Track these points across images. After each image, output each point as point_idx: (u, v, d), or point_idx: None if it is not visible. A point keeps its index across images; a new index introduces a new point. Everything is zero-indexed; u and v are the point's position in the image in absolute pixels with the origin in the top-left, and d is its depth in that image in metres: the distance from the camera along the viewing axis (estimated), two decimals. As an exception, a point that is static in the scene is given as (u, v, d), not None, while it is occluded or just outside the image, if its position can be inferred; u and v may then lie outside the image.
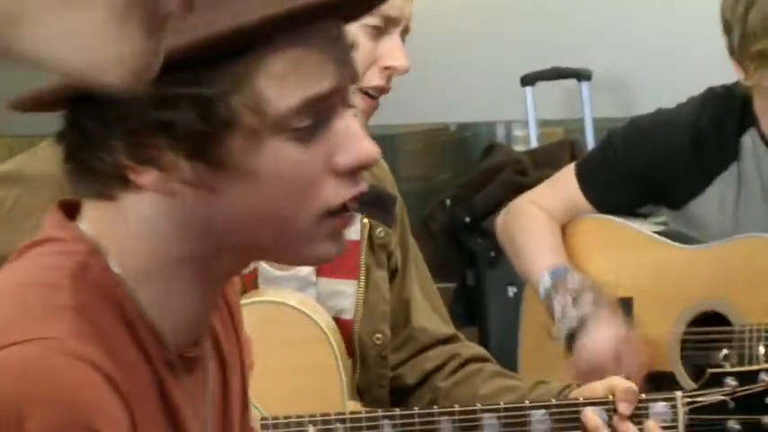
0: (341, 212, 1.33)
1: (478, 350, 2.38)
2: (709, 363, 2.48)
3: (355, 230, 2.25)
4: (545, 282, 2.58)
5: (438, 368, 2.35)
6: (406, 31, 2.23)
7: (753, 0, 2.41)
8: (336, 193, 1.31)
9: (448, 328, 2.40)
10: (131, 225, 1.32)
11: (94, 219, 1.33)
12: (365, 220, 2.26)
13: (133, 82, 0.93)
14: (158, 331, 1.31)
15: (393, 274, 2.34)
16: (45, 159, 2.03)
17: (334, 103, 1.31)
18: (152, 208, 1.31)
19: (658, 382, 2.54)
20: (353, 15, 1.36)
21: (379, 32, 2.20)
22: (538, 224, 2.68)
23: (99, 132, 1.28)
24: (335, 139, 1.31)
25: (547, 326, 2.61)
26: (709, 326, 2.55)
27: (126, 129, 1.27)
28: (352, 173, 1.32)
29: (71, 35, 0.89)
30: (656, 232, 2.69)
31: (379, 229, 2.30)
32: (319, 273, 2.25)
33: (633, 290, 2.65)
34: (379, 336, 2.28)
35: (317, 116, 1.29)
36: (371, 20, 2.17)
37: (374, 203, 2.26)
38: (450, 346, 2.37)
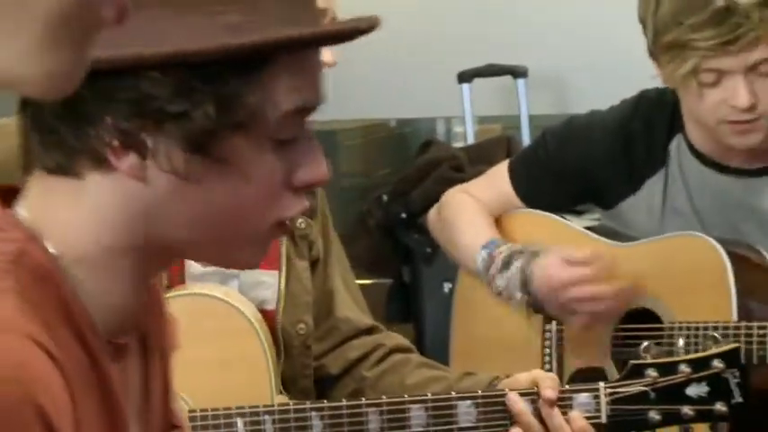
0: (284, 226, 1.38)
1: (402, 340, 2.40)
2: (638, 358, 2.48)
3: None
4: (480, 259, 2.57)
5: (362, 358, 2.36)
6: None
7: None
8: (290, 206, 1.36)
9: (369, 319, 2.42)
10: (80, 209, 1.32)
11: (35, 204, 1.33)
12: None
13: (59, 93, 0.95)
14: (92, 317, 1.31)
15: (314, 264, 2.35)
16: None
17: (305, 120, 1.36)
18: (112, 194, 1.31)
19: (589, 377, 2.53)
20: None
21: None
22: (469, 207, 2.67)
23: (95, 106, 1.29)
24: (299, 154, 1.35)
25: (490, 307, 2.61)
26: (639, 323, 2.56)
27: (126, 112, 1.29)
28: (304, 190, 1.37)
29: None
30: (587, 228, 2.69)
31: (300, 221, 2.30)
32: None
33: None
34: (302, 326, 2.29)
35: (294, 128, 1.34)
36: None
37: None
38: (373, 336, 2.38)
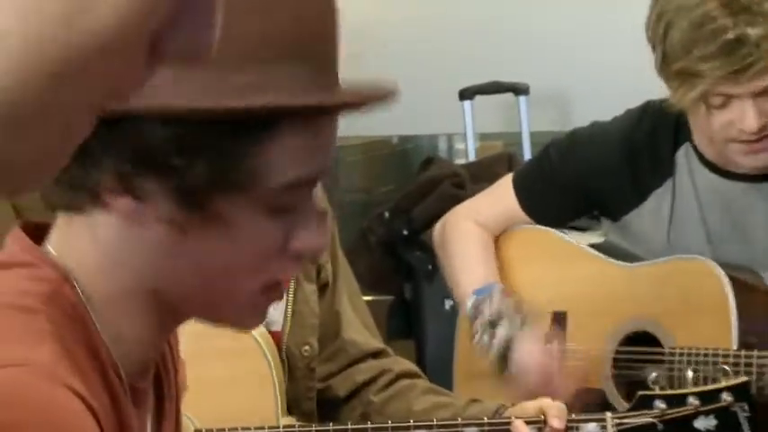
0: (277, 288, 1.36)
1: (409, 365, 2.39)
2: (638, 381, 2.48)
3: None
4: (469, 303, 2.56)
5: (370, 381, 2.35)
6: None
7: (671, 21, 2.39)
8: (283, 270, 1.35)
9: (378, 342, 2.42)
10: (99, 244, 1.32)
11: (61, 241, 1.34)
12: None
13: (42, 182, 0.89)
14: (115, 361, 1.31)
15: (323, 287, 2.35)
16: None
17: (309, 188, 1.34)
18: (118, 231, 1.31)
19: (589, 399, 2.53)
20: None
21: None
22: (469, 239, 2.67)
23: (99, 146, 1.27)
24: (298, 222, 1.33)
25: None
26: (640, 345, 2.55)
27: (127, 156, 1.28)
28: (302, 257, 1.36)
29: None
30: (592, 245, 2.68)
31: None
32: None
33: (567, 304, 2.64)
34: (307, 348, 2.28)
35: (295, 196, 1.32)
36: None
37: None
38: (381, 360, 2.37)
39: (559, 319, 2.61)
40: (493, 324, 2.52)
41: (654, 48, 2.44)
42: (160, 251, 1.31)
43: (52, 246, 1.33)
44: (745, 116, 2.38)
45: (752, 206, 2.53)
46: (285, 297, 2.27)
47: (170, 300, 1.34)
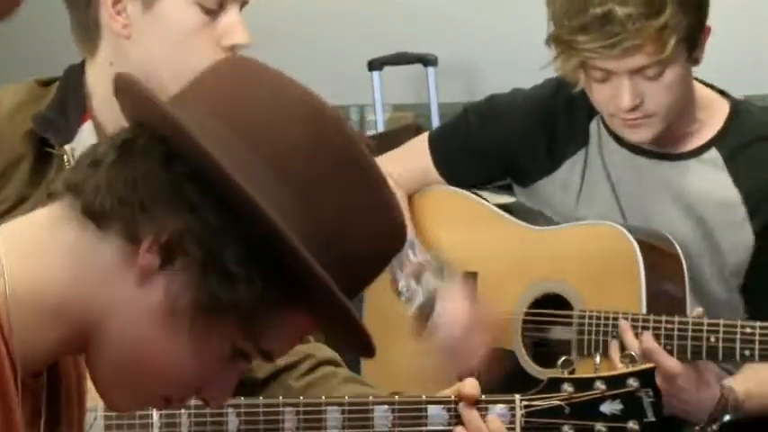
0: (168, 402, 1.38)
1: (331, 353, 2.36)
2: (548, 344, 2.49)
3: None
4: None
5: (290, 366, 2.31)
6: (244, 4, 2.15)
7: None
8: (186, 396, 1.37)
9: None
10: (61, 254, 1.31)
11: (12, 240, 1.32)
12: None
13: None
14: (15, 360, 1.29)
15: None
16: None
17: (257, 359, 1.36)
18: (103, 261, 1.30)
19: (499, 359, 2.51)
20: None
21: (218, 10, 2.11)
22: None
23: (183, 205, 1.28)
24: (222, 377, 1.35)
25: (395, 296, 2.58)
26: (550, 307, 2.53)
27: (204, 232, 1.28)
28: (201, 399, 1.37)
29: None
30: (503, 206, 2.66)
31: None
32: None
33: (479, 265, 2.62)
34: None
35: (248, 358, 1.34)
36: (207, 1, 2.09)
37: None
38: (302, 345, 2.33)
39: (470, 280, 2.61)
40: (417, 275, 2.52)
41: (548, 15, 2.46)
42: (130, 309, 1.30)
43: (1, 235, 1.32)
44: (620, 94, 2.38)
45: (658, 181, 2.53)
46: None
47: (89, 344, 1.32)
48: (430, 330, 2.50)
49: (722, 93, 2.56)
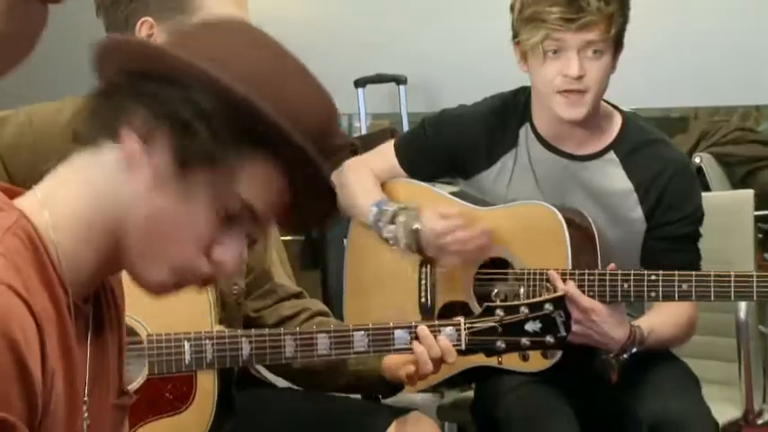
0: (194, 277, 1.30)
1: (322, 306, 2.38)
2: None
3: None
4: (372, 214, 2.54)
5: (293, 316, 2.33)
6: None
7: None
8: (203, 266, 1.29)
9: (296, 287, 2.39)
10: (76, 184, 1.27)
11: (51, 183, 1.28)
12: None
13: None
14: (65, 284, 1.25)
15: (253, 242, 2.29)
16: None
17: (246, 225, 1.29)
18: (112, 167, 1.26)
19: (455, 309, 2.52)
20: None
21: None
22: (363, 175, 2.65)
23: (145, 95, 1.24)
24: (228, 240, 1.28)
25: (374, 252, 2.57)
26: (496, 268, 2.53)
27: (162, 108, 1.23)
28: (217, 266, 1.29)
29: None
30: (453, 193, 2.66)
31: None
32: None
33: None
34: (235, 287, 2.24)
35: (238, 216, 1.27)
36: None
37: None
38: (301, 300, 2.35)
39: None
40: (393, 219, 2.51)
41: (512, 10, 2.45)
42: (134, 194, 1.25)
43: (41, 189, 1.28)
44: (569, 64, 2.38)
45: (572, 176, 2.53)
46: None
47: (121, 237, 1.27)
48: (432, 251, 2.49)
49: (615, 107, 2.59)
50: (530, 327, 2.09)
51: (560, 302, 2.09)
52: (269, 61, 1.26)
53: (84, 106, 1.28)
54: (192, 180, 1.24)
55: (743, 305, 2.79)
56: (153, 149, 1.24)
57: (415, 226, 2.48)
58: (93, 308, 1.33)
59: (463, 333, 2.10)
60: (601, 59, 2.41)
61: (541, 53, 2.40)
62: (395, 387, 2.28)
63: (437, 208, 2.53)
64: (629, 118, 2.57)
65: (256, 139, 1.24)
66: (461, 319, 2.11)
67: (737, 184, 3.92)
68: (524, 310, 2.08)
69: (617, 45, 2.43)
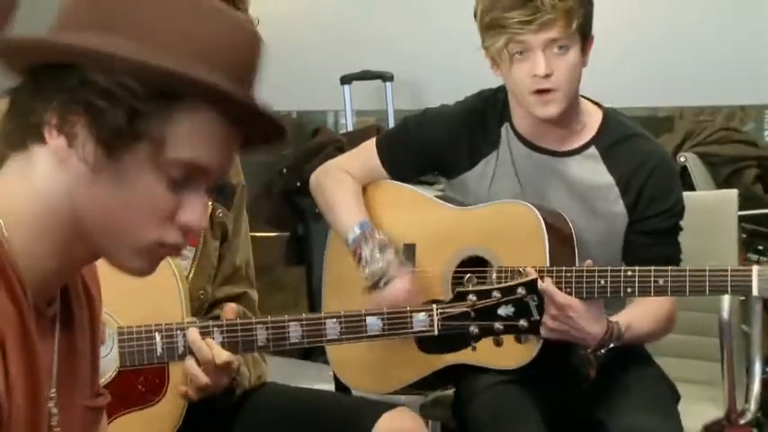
0: (166, 248, 1.27)
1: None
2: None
3: None
4: (354, 232, 2.51)
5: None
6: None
7: None
8: (170, 235, 1.26)
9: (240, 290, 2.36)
10: (24, 181, 1.24)
11: None
12: (210, 202, 2.18)
13: None
14: (24, 282, 1.22)
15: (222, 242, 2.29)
16: None
17: (201, 178, 1.26)
18: (47, 165, 1.24)
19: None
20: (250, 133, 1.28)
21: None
22: (345, 186, 2.62)
23: (48, 90, 1.21)
24: (187, 201, 1.26)
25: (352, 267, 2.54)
26: (473, 266, 2.51)
27: (68, 98, 1.21)
28: (185, 229, 1.27)
29: None
30: (436, 196, 2.65)
31: (219, 211, 2.25)
32: None
33: (416, 238, 2.60)
34: (202, 292, 2.23)
35: (187, 176, 1.24)
36: None
37: (218, 190, 2.24)
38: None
39: (409, 249, 2.59)
40: (381, 250, 2.48)
41: (476, 15, 2.43)
42: (76, 187, 1.23)
43: None
44: (536, 63, 2.37)
45: (552, 172, 2.52)
46: (194, 251, 2.21)
47: (81, 231, 1.24)
48: (378, 291, 2.48)
49: (596, 103, 2.57)
50: (502, 311, 2.06)
51: (533, 286, 2.07)
52: (179, 11, 1.22)
53: (7, 110, 1.26)
54: (126, 160, 1.22)
55: (725, 305, 2.77)
56: (76, 141, 1.22)
57: (390, 274, 2.47)
58: (63, 309, 1.30)
59: (436, 319, 2.08)
60: (567, 55, 2.39)
61: (507, 57, 2.38)
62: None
63: (417, 213, 2.53)
64: (608, 113, 2.56)
65: (171, 96, 1.21)
66: (434, 306, 2.09)
67: (722, 183, 3.90)
68: (497, 294, 2.06)
69: (584, 37, 2.41)
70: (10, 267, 1.20)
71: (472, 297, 2.06)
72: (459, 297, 2.07)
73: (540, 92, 2.40)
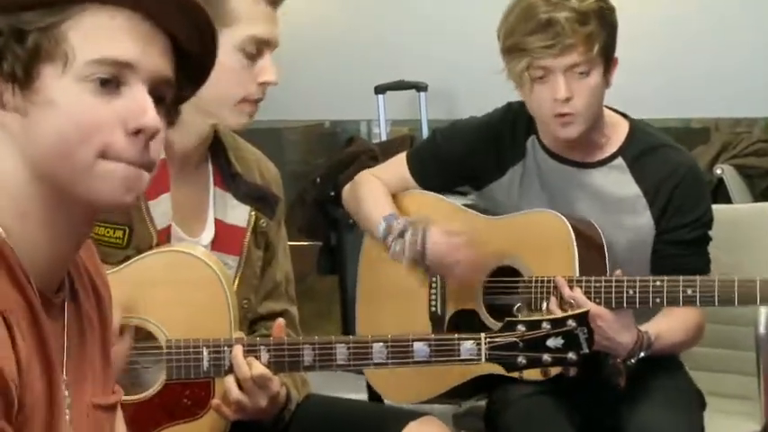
0: (120, 158, 1.22)
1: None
2: (503, 304, 2.45)
3: (243, 219, 2.22)
4: (381, 226, 2.52)
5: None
6: (274, 48, 2.15)
7: (510, 10, 2.41)
8: (123, 145, 1.21)
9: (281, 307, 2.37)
10: None
11: None
12: (252, 212, 2.22)
13: None
14: (25, 268, 1.19)
15: (270, 255, 2.31)
16: None
17: (130, 75, 1.22)
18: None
19: (465, 317, 2.52)
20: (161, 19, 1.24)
21: (256, 54, 2.11)
22: (375, 188, 2.65)
23: None
24: (128, 105, 1.22)
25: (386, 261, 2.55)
26: (505, 276, 2.51)
27: None
28: (137, 135, 1.22)
29: None
30: (466, 205, 2.65)
31: (262, 221, 2.25)
32: (214, 247, 2.20)
33: None
34: (246, 302, 2.24)
35: (113, 76, 1.20)
36: (249, 47, 2.09)
37: (261, 200, 2.25)
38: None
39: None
40: (402, 234, 2.50)
41: (498, 36, 2.44)
42: (19, 140, 1.20)
43: None
44: (557, 87, 2.37)
45: (578, 184, 2.52)
46: (239, 260, 2.21)
47: (46, 182, 1.21)
48: (436, 268, 2.49)
49: (623, 114, 2.57)
50: (552, 343, 2.05)
51: (583, 319, 2.05)
52: None
53: None
54: (42, 84, 1.19)
55: (762, 318, 2.74)
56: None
57: (420, 243, 2.46)
58: (71, 299, 1.28)
59: (484, 348, 2.07)
60: (588, 79, 2.39)
61: (528, 80, 2.39)
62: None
63: (447, 221, 2.52)
64: (635, 124, 2.57)
65: (53, 3, 1.19)
66: (482, 335, 2.08)
67: (759, 196, 3.86)
68: (546, 325, 2.05)
69: (606, 59, 2.41)
70: (13, 259, 1.18)
71: (521, 327, 2.05)
72: (508, 327, 2.06)
73: (560, 114, 2.40)
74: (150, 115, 1.22)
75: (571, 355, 2.04)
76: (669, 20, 4.22)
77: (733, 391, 2.86)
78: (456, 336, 2.09)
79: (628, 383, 2.38)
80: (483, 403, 2.68)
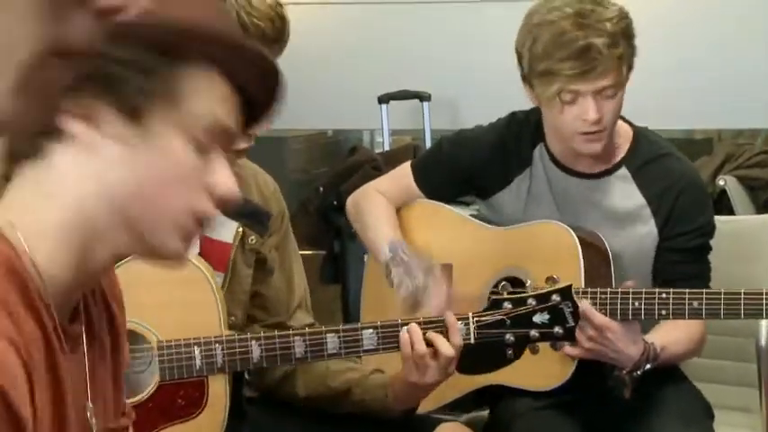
0: (201, 221, 1.23)
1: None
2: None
3: (230, 235, 2.20)
4: (385, 253, 2.51)
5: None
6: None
7: (536, 34, 2.38)
8: (205, 206, 1.22)
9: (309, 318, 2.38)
10: (40, 189, 1.18)
11: (9, 197, 1.19)
12: (239, 229, 2.20)
13: None
14: (48, 300, 1.17)
15: (265, 269, 2.28)
16: None
17: (223, 143, 1.22)
18: (70, 161, 1.18)
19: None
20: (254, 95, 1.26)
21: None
22: (379, 207, 2.63)
23: (54, 87, 1.17)
24: (215, 166, 1.22)
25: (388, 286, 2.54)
26: (509, 287, 2.49)
27: (76, 82, 1.16)
28: (217, 197, 1.23)
29: None
30: (471, 215, 2.65)
31: (252, 237, 2.23)
32: None
33: (453, 257, 2.59)
34: (233, 317, 2.22)
35: (210, 139, 1.21)
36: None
37: (250, 216, 2.23)
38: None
39: (446, 269, 2.58)
40: (407, 270, 2.47)
41: (521, 59, 2.42)
42: (110, 172, 1.17)
43: (2, 206, 1.18)
44: (587, 110, 2.37)
45: (585, 194, 2.52)
46: (223, 277, 2.20)
47: (122, 221, 1.19)
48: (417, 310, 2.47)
49: (627, 121, 2.58)
50: (538, 318, 2.07)
51: (567, 293, 2.07)
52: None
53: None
54: (151, 124, 1.18)
55: (763, 329, 2.74)
56: (97, 120, 1.17)
57: (420, 296, 2.44)
58: (86, 326, 1.27)
59: (472, 327, 2.09)
60: (616, 96, 2.40)
61: (558, 103, 2.39)
62: (406, 412, 2.24)
63: (453, 231, 2.52)
64: (639, 132, 2.57)
65: (178, 53, 1.18)
66: (470, 314, 2.09)
67: (761, 207, 3.86)
68: (531, 301, 2.06)
69: (629, 72, 2.42)
70: (32, 285, 1.15)
71: (507, 305, 2.06)
72: (495, 305, 2.07)
73: (588, 133, 2.40)
74: (235, 187, 1.23)
75: (558, 330, 2.06)
76: (672, 32, 4.23)
77: (735, 403, 2.85)
78: (444, 318, 2.10)
79: (633, 395, 2.38)
80: (483, 414, 2.68)
